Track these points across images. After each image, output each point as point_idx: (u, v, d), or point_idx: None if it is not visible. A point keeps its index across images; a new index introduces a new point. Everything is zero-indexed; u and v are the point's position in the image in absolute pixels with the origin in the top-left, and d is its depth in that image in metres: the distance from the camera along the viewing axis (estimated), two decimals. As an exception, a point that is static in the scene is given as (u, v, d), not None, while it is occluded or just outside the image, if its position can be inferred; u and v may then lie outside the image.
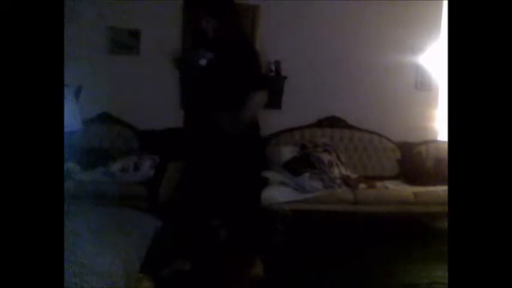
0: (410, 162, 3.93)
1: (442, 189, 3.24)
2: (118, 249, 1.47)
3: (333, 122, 4.04)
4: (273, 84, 3.81)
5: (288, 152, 3.60)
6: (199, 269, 2.46)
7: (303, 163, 3.46)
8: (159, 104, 3.80)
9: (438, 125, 4.19)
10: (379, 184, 3.53)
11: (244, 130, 2.25)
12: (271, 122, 3.64)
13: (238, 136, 2.24)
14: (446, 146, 3.35)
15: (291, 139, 3.86)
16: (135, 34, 3.79)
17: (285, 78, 3.88)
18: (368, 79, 4.06)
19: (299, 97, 3.87)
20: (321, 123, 4.02)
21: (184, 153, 2.44)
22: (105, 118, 3.72)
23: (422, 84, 4.19)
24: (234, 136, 2.24)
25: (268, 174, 3.30)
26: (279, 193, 3.15)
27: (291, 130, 3.92)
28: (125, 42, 3.78)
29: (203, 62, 2.23)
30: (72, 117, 2.68)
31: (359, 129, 4.05)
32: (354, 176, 3.59)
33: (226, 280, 2.41)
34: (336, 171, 3.48)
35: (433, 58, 4.12)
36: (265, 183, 3.12)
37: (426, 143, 4.05)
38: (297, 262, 2.71)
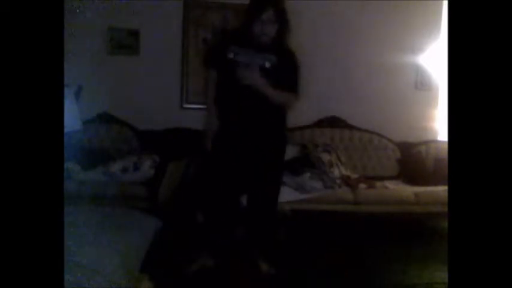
0: (410, 162, 3.92)
1: (442, 189, 3.24)
2: (118, 249, 1.47)
3: (333, 122, 4.04)
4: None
5: (288, 152, 3.60)
6: (199, 269, 2.47)
7: (303, 163, 3.46)
8: (159, 104, 3.80)
9: (438, 125, 4.19)
10: (379, 184, 3.53)
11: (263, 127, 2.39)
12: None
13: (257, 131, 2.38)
14: (446, 146, 3.34)
15: (291, 139, 3.85)
16: (135, 34, 3.79)
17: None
18: (368, 79, 4.05)
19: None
20: (321, 123, 4.02)
21: (214, 148, 2.48)
22: (105, 118, 3.72)
23: (422, 84, 4.18)
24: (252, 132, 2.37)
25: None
26: (279, 193, 3.15)
27: (291, 130, 3.90)
28: (125, 42, 3.78)
29: (267, 64, 2.32)
30: (72, 117, 2.68)
31: (359, 129, 4.05)
32: (354, 176, 3.59)
33: (226, 279, 2.41)
34: (336, 171, 3.48)
35: (433, 58, 4.12)
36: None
37: (426, 143, 4.04)
38: (297, 262, 2.71)
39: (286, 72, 2.39)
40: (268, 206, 2.53)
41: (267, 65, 2.32)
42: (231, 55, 2.31)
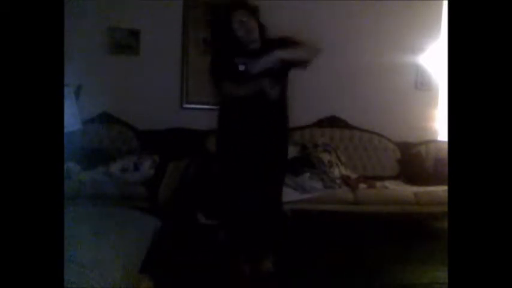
0: (410, 162, 3.92)
1: (442, 189, 3.23)
2: (118, 249, 1.47)
3: (333, 122, 4.04)
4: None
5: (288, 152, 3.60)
6: (199, 268, 2.47)
7: (303, 163, 3.46)
8: (159, 104, 3.80)
9: (438, 125, 4.19)
10: (379, 184, 3.53)
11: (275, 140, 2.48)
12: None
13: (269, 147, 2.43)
14: (446, 146, 3.34)
15: (291, 139, 3.85)
16: (135, 34, 3.79)
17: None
18: (368, 79, 4.05)
19: (299, 97, 3.86)
20: (321, 123, 4.02)
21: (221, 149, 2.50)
22: (105, 118, 3.72)
23: (422, 84, 4.18)
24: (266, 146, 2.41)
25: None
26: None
27: (291, 130, 3.91)
28: (125, 42, 3.78)
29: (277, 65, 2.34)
30: (72, 117, 2.68)
31: (359, 129, 4.05)
32: (354, 176, 3.59)
33: (225, 279, 2.41)
34: (336, 171, 3.48)
35: (433, 58, 4.12)
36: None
37: (426, 143, 4.04)
38: (297, 262, 2.71)
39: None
40: (272, 206, 2.54)
41: (277, 65, 2.35)
42: (241, 67, 2.34)
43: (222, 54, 2.44)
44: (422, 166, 3.84)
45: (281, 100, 2.51)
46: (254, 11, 2.39)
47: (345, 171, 3.59)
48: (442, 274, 2.49)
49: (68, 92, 2.84)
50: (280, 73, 2.43)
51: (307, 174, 3.31)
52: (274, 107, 2.46)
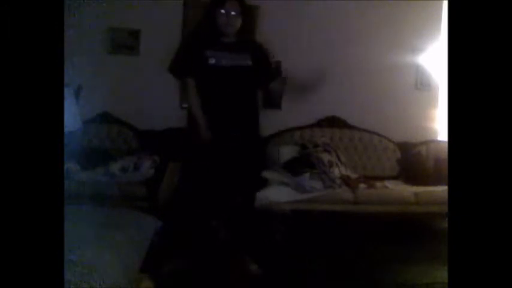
0: (410, 162, 3.92)
1: (442, 189, 3.23)
2: (118, 249, 1.47)
3: (333, 122, 4.04)
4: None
5: (288, 152, 3.60)
6: (199, 268, 2.47)
7: (303, 163, 3.45)
8: (159, 104, 3.80)
9: (438, 125, 4.19)
10: (379, 184, 3.53)
11: (246, 130, 2.43)
12: (271, 122, 3.64)
13: (241, 136, 2.39)
14: (446, 146, 3.34)
15: (291, 139, 3.85)
16: (135, 34, 3.79)
17: (285, 78, 3.87)
18: (368, 79, 4.05)
19: (299, 97, 3.87)
20: (321, 123, 4.02)
21: (186, 153, 2.49)
22: (105, 118, 3.72)
23: (422, 84, 4.18)
24: (237, 136, 2.38)
25: (268, 174, 3.30)
26: (279, 193, 3.15)
27: (291, 130, 3.92)
28: (125, 42, 3.78)
29: (249, 62, 2.40)
30: (72, 117, 2.68)
31: (359, 129, 4.05)
32: (354, 176, 3.59)
33: (225, 279, 2.41)
34: (336, 171, 3.48)
35: (433, 58, 4.12)
36: (262, 183, 3.14)
37: (426, 143, 4.04)
38: (297, 262, 2.71)
39: (263, 66, 2.51)
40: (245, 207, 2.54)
41: (248, 62, 2.40)
42: (211, 61, 2.36)
43: (192, 46, 2.48)
44: (422, 166, 3.84)
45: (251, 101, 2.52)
46: (245, 7, 2.39)
47: (345, 171, 3.59)
48: (442, 274, 2.49)
49: (68, 93, 2.84)
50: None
51: (307, 174, 3.31)
52: (244, 109, 2.47)
